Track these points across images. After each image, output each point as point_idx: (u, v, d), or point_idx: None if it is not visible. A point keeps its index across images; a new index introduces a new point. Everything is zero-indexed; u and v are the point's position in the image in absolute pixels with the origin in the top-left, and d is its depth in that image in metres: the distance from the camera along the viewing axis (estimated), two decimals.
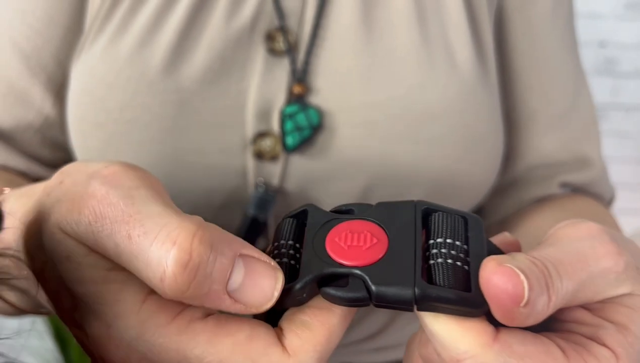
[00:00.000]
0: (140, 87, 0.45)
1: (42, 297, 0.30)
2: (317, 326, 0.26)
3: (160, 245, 0.24)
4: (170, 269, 0.23)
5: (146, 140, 0.46)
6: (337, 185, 0.47)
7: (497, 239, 0.30)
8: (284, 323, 0.26)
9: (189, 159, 0.46)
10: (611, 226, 0.52)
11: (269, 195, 0.46)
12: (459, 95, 0.47)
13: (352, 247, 0.26)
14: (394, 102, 0.46)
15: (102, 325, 0.25)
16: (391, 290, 0.25)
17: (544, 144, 0.55)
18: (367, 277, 0.25)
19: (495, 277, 0.24)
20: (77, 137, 0.49)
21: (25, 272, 0.30)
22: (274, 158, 0.46)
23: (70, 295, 0.26)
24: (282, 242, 0.27)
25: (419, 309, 0.25)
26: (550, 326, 0.28)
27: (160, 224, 0.24)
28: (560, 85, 0.55)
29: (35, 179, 0.52)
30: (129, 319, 0.25)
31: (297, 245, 0.27)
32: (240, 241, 0.25)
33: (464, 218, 0.27)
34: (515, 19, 0.53)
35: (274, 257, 0.27)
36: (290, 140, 0.45)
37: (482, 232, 0.27)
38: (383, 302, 0.25)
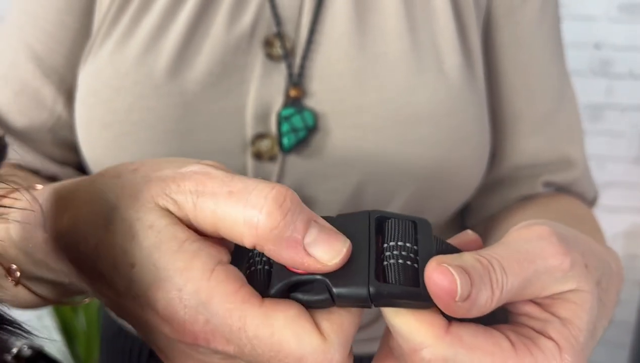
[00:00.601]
0: (145, 90, 0.48)
1: (75, 285, 0.33)
2: (342, 312, 0.29)
3: (259, 192, 0.28)
4: (269, 202, 0.27)
5: (151, 141, 0.48)
6: (330, 183, 0.50)
7: (459, 238, 0.33)
8: (313, 310, 0.29)
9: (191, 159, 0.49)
10: (590, 224, 0.55)
11: None
12: (446, 99, 0.50)
13: None
14: (384, 105, 0.49)
15: (173, 288, 0.28)
16: (349, 291, 0.28)
17: (528, 144, 0.58)
18: (328, 281, 0.28)
19: (434, 274, 0.27)
20: (84, 137, 0.51)
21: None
22: (271, 158, 0.49)
23: (129, 267, 0.29)
24: (256, 251, 0.30)
25: (376, 305, 0.28)
26: (504, 318, 0.31)
27: (257, 182, 0.28)
28: (545, 88, 0.58)
29: (48, 177, 0.54)
30: (199, 284, 0.28)
31: (265, 259, 0.30)
32: (315, 214, 0.29)
33: (414, 222, 0.31)
34: (503, 25, 0.56)
35: (250, 265, 0.30)
36: (286, 141, 0.48)
37: (430, 234, 0.30)
38: (343, 302, 0.28)
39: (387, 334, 0.32)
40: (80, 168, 0.57)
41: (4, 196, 0.30)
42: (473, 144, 0.51)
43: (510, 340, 0.29)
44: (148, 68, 0.48)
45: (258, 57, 0.50)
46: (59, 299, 0.39)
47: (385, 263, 0.29)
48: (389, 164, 0.49)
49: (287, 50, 0.50)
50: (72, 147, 0.55)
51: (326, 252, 0.28)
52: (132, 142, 0.49)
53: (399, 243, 0.29)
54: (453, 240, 0.33)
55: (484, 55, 0.56)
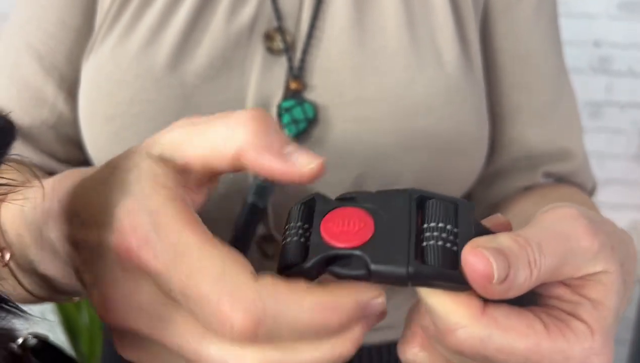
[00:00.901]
0: (146, 83, 0.49)
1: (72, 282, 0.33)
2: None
3: (241, 112, 0.30)
4: (251, 114, 0.30)
5: (152, 133, 0.49)
6: (331, 174, 0.51)
7: (490, 221, 0.34)
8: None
9: None
10: (591, 210, 0.56)
11: (267, 184, 0.49)
12: (445, 92, 0.50)
13: (343, 231, 0.30)
14: (382, 98, 0.49)
15: (134, 203, 0.29)
16: (387, 268, 0.28)
17: (527, 136, 0.58)
18: (367, 257, 0.28)
19: (469, 258, 0.28)
20: (87, 131, 0.52)
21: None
22: None
23: (104, 198, 0.30)
24: (292, 224, 0.31)
25: (413, 285, 0.29)
26: (535, 301, 0.31)
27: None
28: (543, 80, 0.58)
29: (50, 173, 0.55)
30: (159, 207, 0.29)
31: (306, 226, 0.31)
32: None
33: (456, 204, 0.31)
34: (500, 19, 0.56)
35: (286, 237, 0.31)
36: (287, 132, 0.49)
37: (470, 217, 0.30)
38: (380, 278, 0.29)
39: (415, 314, 0.32)
40: (84, 165, 0.57)
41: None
42: (471, 135, 0.52)
43: (543, 322, 0.29)
44: (149, 61, 0.49)
45: (258, 51, 0.50)
46: (46, 297, 0.39)
47: (425, 244, 0.29)
48: (389, 156, 0.50)
49: (287, 45, 0.51)
50: (75, 144, 0.56)
51: (304, 158, 0.30)
52: (134, 134, 0.49)
53: (440, 224, 0.29)
54: (485, 223, 0.33)
55: (482, 49, 0.57)
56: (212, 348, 0.28)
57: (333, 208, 0.31)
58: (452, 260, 0.28)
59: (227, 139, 0.30)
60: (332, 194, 0.51)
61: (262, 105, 0.50)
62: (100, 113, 0.50)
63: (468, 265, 0.28)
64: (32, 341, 0.40)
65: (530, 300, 0.31)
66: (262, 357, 0.28)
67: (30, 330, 0.39)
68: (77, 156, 0.57)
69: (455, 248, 0.29)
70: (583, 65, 1.65)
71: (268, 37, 0.51)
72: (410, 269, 0.28)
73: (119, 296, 0.29)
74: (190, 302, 0.27)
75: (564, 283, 0.31)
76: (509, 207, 0.57)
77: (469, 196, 0.62)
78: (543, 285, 0.31)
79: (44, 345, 0.40)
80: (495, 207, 0.60)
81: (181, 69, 0.49)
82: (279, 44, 0.51)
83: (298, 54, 0.51)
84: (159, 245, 0.28)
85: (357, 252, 0.29)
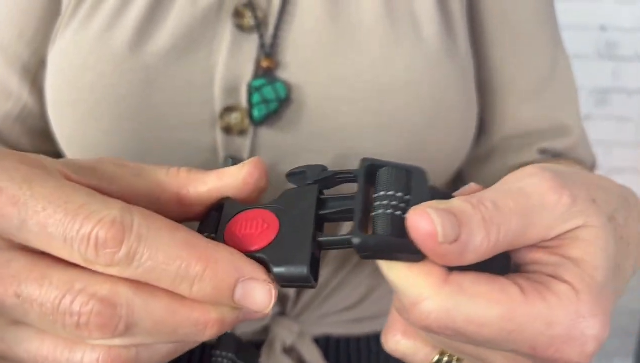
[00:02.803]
0: (107, 67, 0.47)
1: None
2: None
3: None
4: None
5: (115, 118, 0.47)
6: (307, 157, 0.48)
7: (464, 190, 0.31)
8: None
9: (159, 135, 0.47)
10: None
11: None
12: (424, 68, 0.47)
13: (246, 234, 0.28)
14: (358, 75, 0.47)
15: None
16: (289, 270, 0.27)
17: (520, 113, 0.56)
18: (268, 260, 0.27)
19: (411, 219, 0.25)
20: (54, 119, 0.50)
21: None
22: (242, 132, 0.47)
23: None
24: (205, 234, 0.30)
25: (363, 257, 0.27)
26: (515, 271, 0.28)
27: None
28: (536, 54, 0.56)
29: None
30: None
31: (212, 235, 0.29)
32: None
33: (408, 170, 0.28)
34: None
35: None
36: (256, 113, 0.46)
37: (425, 183, 0.28)
38: (286, 281, 0.27)
39: (394, 297, 0.30)
40: (55, 157, 0.55)
41: None
42: (455, 112, 0.49)
43: (519, 286, 0.26)
44: (110, 44, 0.47)
45: (227, 29, 0.48)
46: None
47: (372, 214, 0.27)
48: (367, 137, 0.47)
49: (258, 20, 0.48)
50: (43, 136, 0.54)
51: (233, 168, 0.31)
52: (97, 119, 0.47)
53: (389, 192, 0.27)
54: (457, 194, 0.30)
55: (470, 23, 0.54)
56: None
57: (237, 213, 0.30)
58: (402, 227, 0.26)
59: (170, 176, 0.30)
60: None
61: (231, 86, 0.47)
62: (64, 99, 0.48)
63: (411, 227, 0.25)
64: None
65: (507, 270, 0.29)
66: (113, 287, 0.25)
67: None
68: (47, 148, 0.55)
69: (405, 216, 0.27)
70: (589, 50, 1.61)
71: (237, 14, 0.48)
72: (355, 240, 0.26)
73: None
74: (50, 228, 0.25)
75: (540, 246, 0.28)
76: None
77: (461, 176, 0.59)
78: (517, 252, 0.28)
79: None
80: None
81: (143, 51, 0.47)
82: (249, 20, 0.48)
83: (270, 30, 0.48)
84: (4, 177, 0.26)
85: (259, 255, 0.27)
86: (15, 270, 0.26)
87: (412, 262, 0.26)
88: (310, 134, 0.48)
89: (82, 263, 0.25)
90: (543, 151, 0.56)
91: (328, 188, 0.30)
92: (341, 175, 0.30)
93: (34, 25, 0.52)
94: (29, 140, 0.54)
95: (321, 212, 0.29)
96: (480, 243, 0.26)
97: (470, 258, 0.26)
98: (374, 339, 0.60)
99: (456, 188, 0.60)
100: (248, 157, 0.47)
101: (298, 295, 0.55)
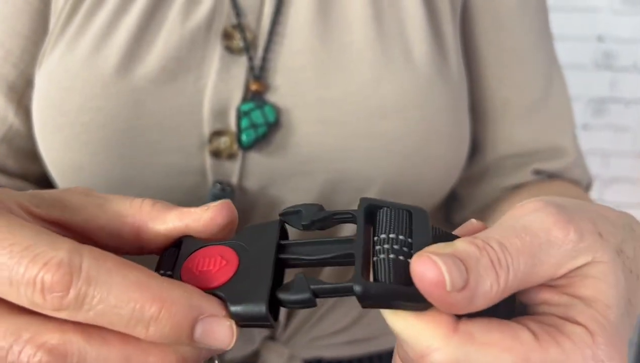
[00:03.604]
0: (95, 90, 0.46)
1: None
2: None
3: None
4: None
5: (102, 142, 0.46)
6: (297, 181, 0.48)
7: (464, 228, 0.30)
8: None
9: (147, 160, 0.46)
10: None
11: (225, 193, 0.46)
12: (415, 90, 0.47)
13: (203, 271, 0.27)
14: (348, 98, 0.46)
15: None
16: (247, 308, 0.25)
17: (514, 133, 0.55)
18: (225, 298, 0.26)
19: (416, 267, 0.24)
20: (41, 142, 0.49)
21: None
22: (231, 156, 0.47)
23: None
24: (161, 272, 0.29)
25: (364, 307, 0.25)
26: (523, 312, 0.27)
27: None
28: (531, 74, 0.55)
29: None
30: None
31: (169, 272, 0.28)
32: None
33: (409, 211, 0.27)
34: (483, 11, 0.53)
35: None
36: (245, 138, 0.45)
37: (427, 225, 0.27)
38: (244, 320, 0.26)
39: (397, 345, 0.29)
40: (42, 179, 0.54)
41: None
42: (446, 136, 0.49)
43: (532, 332, 0.25)
44: (97, 67, 0.46)
45: (216, 51, 0.47)
46: None
47: (374, 258, 0.26)
48: (357, 160, 0.47)
49: (247, 43, 0.47)
50: (30, 157, 0.53)
51: (197, 209, 0.30)
52: (84, 143, 0.46)
53: (391, 235, 0.26)
54: (457, 232, 0.29)
55: (465, 43, 0.54)
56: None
57: (197, 249, 0.28)
58: (407, 274, 0.25)
59: (132, 208, 0.29)
60: (299, 202, 0.48)
61: (220, 109, 0.47)
62: (51, 122, 0.48)
63: (416, 276, 0.24)
64: None
65: (513, 310, 0.27)
66: (63, 336, 0.24)
67: None
68: (34, 170, 0.54)
69: (409, 260, 0.25)
70: (586, 60, 1.61)
71: (227, 36, 0.47)
72: (357, 288, 0.24)
73: None
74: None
75: (548, 286, 0.27)
76: (499, 208, 0.54)
77: (454, 197, 0.58)
78: (525, 293, 0.27)
79: None
80: (485, 209, 0.57)
81: (132, 74, 0.46)
82: (238, 42, 0.47)
83: (259, 53, 0.48)
84: None
85: (216, 293, 0.26)
86: None
87: (418, 311, 0.25)
88: (300, 158, 0.47)
89: (30, 307, 0.24)
90: (538, 172, 0.56)
91: (324, 229, 0.29)
92: (339, 216, 0.29)
93: (20, 46, 0.51)
94: (16, 161, 0.53)
95: (282, 255, 0.28)
96: (490, 288, 0.24)
97: (480, 304, 0.24)
98: (367, 361, 0.60)
99: (450, 210, 0.60)
100: (237, 182, 0.47)
101: (288, 319, 0.54)
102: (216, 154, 0.46)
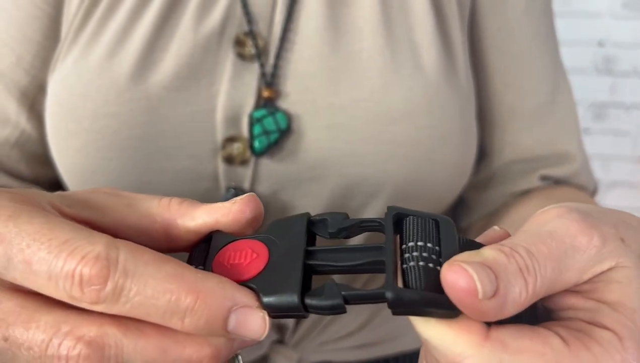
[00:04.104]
0: (109, 96, 0.46)
1: None
2: None
3: None
4: None
5: (116, 148, 0.46)
6: (307, 186, 0.48)
7: (487, 235, 0.30)
8: None
9: (160, 165, 0.47)
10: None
11: (239, 195, 0.47)
12: (423, 96, 0.47)
13: (234, 265, 0.28)
14: (358, 104, 0.47)
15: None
16: (280, 299, 0.26)
17: (521, 139, 0.56)
18: (258, 290, 0.26)
19: (447, 276, 0.24)
20: (54, 147, 0.50)
21: None
22: (243, 162, 0.47)
23: None
24: (193, 266, 0.29)
25: (395, 314, 0.25)
26: (549, 317, 0.28)
27: None
28: (538, 80, 0.56)
29: None
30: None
31: (200, 267, 0.29)
32: None
33: (435, 220, 0.28)
34: (489, 17, 0.54)
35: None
36: (257, 144, 0.46)
37: (453, 233, 0.27)
38: (276, 311, 0.26)
39: (422, 350, 0.29)
40: (54, 183, 0.55)
41: None
42: (454, 142, 0.49)
43: (561, 337, 0.25)
44: (112, 73, 0.47)
45: (228, 58, 0.48)
46: None
47: (405, 266, 0.26)
48: (366, 165, 0.47)
49: (259, 50, 0.48)
50: (43, 162, 0.54)
51: (226, 203, 0.30)
52: (98, 149, 0.47)
53: (419, 243, 0.26)
54: (480, 239, 0.30)
55: (472, 50, 0.54)
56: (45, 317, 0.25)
57: (226, 244, 0.29)
58: (437, 281, 0.25)
59: (161, 207, 0.30)
60: (309, 208, 0.49)
61: (233, 116, 0.47)
62: (64, 128, 0.48)
63: (448, 284, 0.24)
64: None
65: (543, 319, 0.27)
66: (101, 328, 0.25)
67: None
68: (46, 175, 0.54)
69: (438, 267, 0.26)
70: (587, 65, 1.62)
71: (238, 43, 0.48)
72: (390, 295, 0.25)
73: None
74: (35, 265, 0.25)
75: (573, 291, 0.27)
76: (508, 213, 0.54)
77: (462, 202, 0.59)
78: (551, 298, 0.27)
79: None
80: (493, 215, 0.57)
81: (146, 80, 0.46)
82: (250, 49, 0.48)
83: (271, 60, 0.48)
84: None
85: (249, 285, 0.27)
86: (3, 313, 0.25)
87: (449, 318, 0.25)
88: (310, 163, 0.47)
89: (68, 301, 0.25)
90: (545, 178, 0.56)
91: (350, 237, 0.30)
92: (366, 224, 0.29)
93: (32, 51, 0.52)
94: (28, 166, 0.54)
95: (310, 262, 0.28)
96: (520, 295, 0.25)
97: (510, 311, 0.25)
98: None
99: (457, 215, 0.60)
100: (249, 187, 0.47)
101: (297, 324, 0.54)
102: (229, 160, 0.47)
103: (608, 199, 1.60)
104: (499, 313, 0.24)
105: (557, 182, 0.57)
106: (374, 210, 0.49)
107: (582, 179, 0.58)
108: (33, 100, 0.52)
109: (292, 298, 0.26)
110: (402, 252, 0.27)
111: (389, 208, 0.28)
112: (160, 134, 0.46)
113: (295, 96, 0.47)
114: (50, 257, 0.24)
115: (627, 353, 0.25)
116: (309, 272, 0.28)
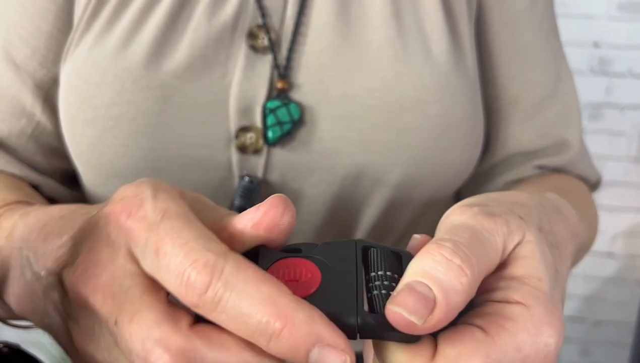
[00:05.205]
0: (125, 85, 0.47)
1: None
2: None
3: None
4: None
5: (133, 135, 0.47)
6: (318, 175, 0.49)
7: (411, 246, 0.32)
8: None
9: (175, 153, 0.48)
10: (580, 197, 0.55)
11: (253, 185, 0.48)
12: (434, 86, 0.49)
13: (289, 282, 0.28)
14: (369, 94, 0.48)
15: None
16: (338, 318, 0.26)
17: (522, 132, 0.57)
18: (316, 307, 0.27)
19: (389, 317, 0.26)
20: (69, 136, 0.51)
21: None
22: (256, 151, 0.48)
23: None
24: None
25: (361, 337, 0.27)
26: (471, 303, 0.29)
27: None
28: (541, 73, 0.57)
29: (33, 185, 0.53)
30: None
31: None
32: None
33: (398, 254, 0.30)
34: (496, 10, 0.55)
35: None
36: (271, 134, 0.47)
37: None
38: None
39: None
40: (69, 174, 0.56)
41: None
42: (462, 131, 0.50)
43: (479, 327, 0.27)
44: (126, 61, 0.47)
45: (241, 49, 0.49)
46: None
47: (371, 294, 0.28)
48: (376, 153, 0.49)
49: (272, 42, 0.49)
50: (58, 154, 0.54)
51: (264, 203, 0.31)
52: (115, 136, 0.48)
53: (385, 272, 0.28)
54: (410, 250, 0.32)
55: (478, 43, 0.55)
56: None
57: (277, 260, 0.30)
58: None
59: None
60: (318, 196, 0.50)
61: (246, 106, 0.48)
62: (80, 117, 0.49)
63: (392, 322, 0.26)
64: (4, 349, 0.39)
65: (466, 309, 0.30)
66: (188, 341, 0.26)
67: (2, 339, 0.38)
68: (61, 166, 0.55)
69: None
70: (582, 66, 1.63)
71: (252, 35, 0.49)
72: (360, 320, 0.26)
73: (93, 266, 0.29)
74: (160, 256, 0.27)
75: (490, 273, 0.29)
76: None
77: (461, 194, 0.60)
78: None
79: (13, 352, 0.39)
80: None
81: (160, 70, 0.47)
82: (263, 41, 0.49)
83: (283, 52, 0.49)
84: (150, 207, 0.28)
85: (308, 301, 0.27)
86: (129, 300, 0.27)
87: (407, 343, 0.27)
88: (322, 152, 0.49)
89: (176, 295, 0.26)
90: (540, 167, 0.57)
91: None
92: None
93: (47, 44, 0.52)
94: (44, 157, 0.54)
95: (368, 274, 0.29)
96: (460, 282, 0.26)
97: (458, 302, 0.26)
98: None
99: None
100: (262, 175, 0.49)
101: None
102: (242, 149, 0.48)
103: (603, 199, 1.62)
104: (449, 313, 0.26)
105: (555, 170, 0.58)
106: (381, 197, 0.51)
107: (580, 169, 0.59)
108: (47, 92, 0.53)
109: (351, 320, 0.26)
110: (370, 280, 0.28)
111: (357, 241, 0.30)
112: (175, 123, 0.47)
113: (308, 87, 0.49)
114: (172, 252, 0.26)
115: (536, 319, 0.27)
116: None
